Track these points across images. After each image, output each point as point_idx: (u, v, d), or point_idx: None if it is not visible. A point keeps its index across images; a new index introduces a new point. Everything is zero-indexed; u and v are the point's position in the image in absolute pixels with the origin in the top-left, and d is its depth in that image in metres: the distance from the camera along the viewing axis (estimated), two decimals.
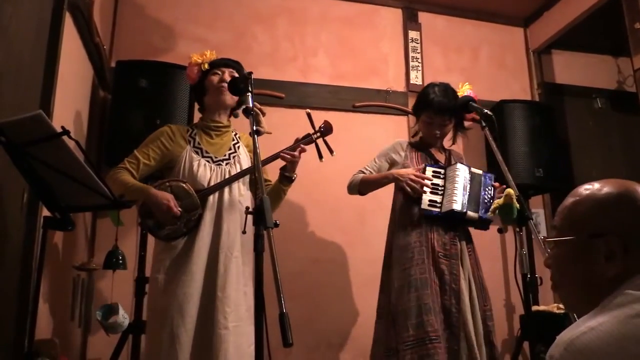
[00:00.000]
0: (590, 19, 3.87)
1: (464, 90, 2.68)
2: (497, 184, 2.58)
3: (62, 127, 1.61)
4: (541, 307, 3.34)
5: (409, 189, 2.54)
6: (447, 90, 2.68)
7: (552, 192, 4.06)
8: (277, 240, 1.56)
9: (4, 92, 1.78)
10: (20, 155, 1.64)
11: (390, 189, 2.80)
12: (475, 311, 2.43)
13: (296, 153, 2.30)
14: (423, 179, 2.54)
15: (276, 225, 1.61)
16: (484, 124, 2.42)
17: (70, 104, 2.69)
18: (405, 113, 3.95)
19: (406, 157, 2.72)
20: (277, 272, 1.47)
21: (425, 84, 3.90)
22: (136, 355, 2.69)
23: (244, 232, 1.93)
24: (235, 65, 2.46)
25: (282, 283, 1.45)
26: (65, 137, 1.63)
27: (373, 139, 3.85)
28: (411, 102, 3.95)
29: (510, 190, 2.11)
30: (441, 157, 2.76)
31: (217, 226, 2.24)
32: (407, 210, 2.60)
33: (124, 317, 2.71)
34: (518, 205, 2.10)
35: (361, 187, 2.71)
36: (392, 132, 3.93)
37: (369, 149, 3.80)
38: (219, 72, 2.40)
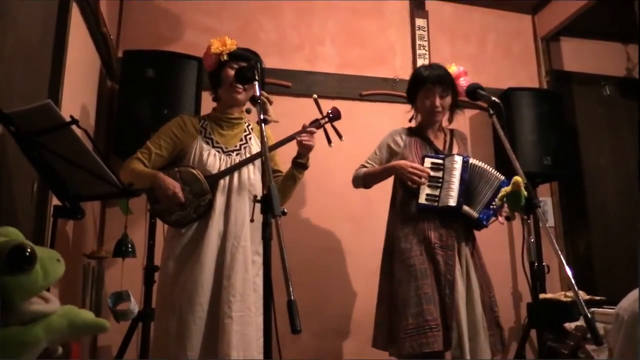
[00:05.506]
0: (599, 5, 3.83)
1: (452, 69, 2.70)
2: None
3: (71, 116, 1.62)
4: (548, 295, 3.35)
5: (409, 182, 2.56)
6: (437, 64, 2.74)
7: (560, 180, 4.05)
8: (285, 228, 1.57)
9: (13, 82, 1.78)
10: (29, 145, 1.64)
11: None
12: (473, 301, 2.46)
13: (309, 135, 2.31)
14: (422, 170, 2.56)
15: (284, 213, 1.61)
16: (491, 112, 2.41)
17: (78, 94, 2.70)
18: None
19: (405, 145, 2.72)
20: (285, 260, 1.48)
21: None
22: (146, 343, 2.72)
23: (252, 220, 1.90)
24: (253, 57, 2.37)
25: (290, 271, 1.46)
26: (74, 126, 1.64)
27: (380, 128, 3.82)
28: None
29: (518, 178, 2.10)
30: (440, 142, 2.75)
31: (226, 213, 2.24)
32: (407, 203, 2.63)
33: (134, 304, 2.74)
34: (526, 192, 2.09)
35: (365, 180, 2.75)
36: (399, 120, 3.88)
37: (376, 137, 3.78)
38: (236, 66, 2.32)
